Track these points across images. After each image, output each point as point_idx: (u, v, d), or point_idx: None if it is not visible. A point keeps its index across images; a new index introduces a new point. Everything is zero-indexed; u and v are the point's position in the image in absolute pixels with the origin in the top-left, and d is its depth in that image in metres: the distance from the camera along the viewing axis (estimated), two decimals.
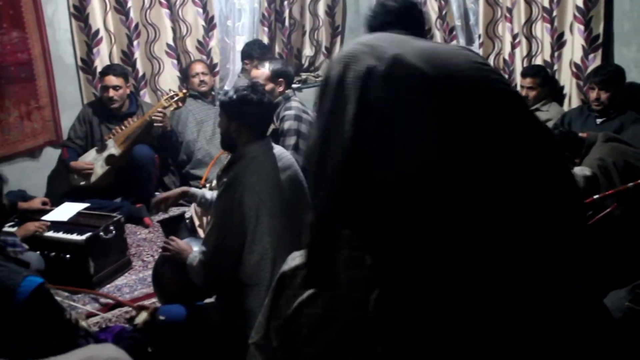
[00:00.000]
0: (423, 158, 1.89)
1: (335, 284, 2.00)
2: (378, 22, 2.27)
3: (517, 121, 1.96)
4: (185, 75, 5.81)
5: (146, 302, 3.53)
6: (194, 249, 3.11)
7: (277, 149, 3.13)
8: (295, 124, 4.22)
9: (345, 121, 1.89)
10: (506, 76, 5.60)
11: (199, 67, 5.68)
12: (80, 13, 5.25)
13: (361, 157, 1.90)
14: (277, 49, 6.44)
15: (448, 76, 1.91)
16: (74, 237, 3.95)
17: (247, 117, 3.01)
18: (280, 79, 4.29)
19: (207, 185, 4.35)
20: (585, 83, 4.99)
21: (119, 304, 3.68)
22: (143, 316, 2.95)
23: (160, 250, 4.32)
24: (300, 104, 4.44)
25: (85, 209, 4.35)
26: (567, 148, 3.71)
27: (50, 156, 5.30)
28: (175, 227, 3.70)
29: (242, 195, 2.90)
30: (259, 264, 2.93)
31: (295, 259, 2.29)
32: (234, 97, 3.01)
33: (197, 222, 3.95)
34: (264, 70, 4.25)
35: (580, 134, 3.93)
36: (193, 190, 3.56)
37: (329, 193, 1.98)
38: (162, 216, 4.65)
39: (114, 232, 4.14)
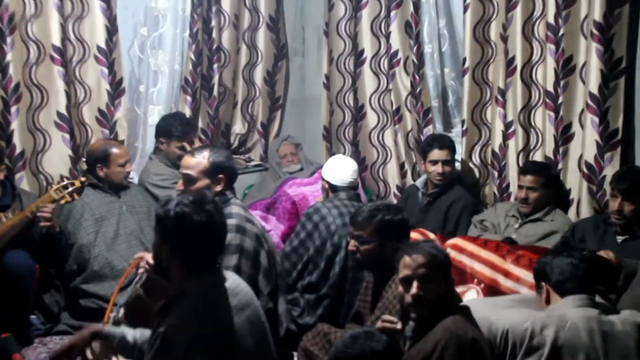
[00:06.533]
0: None
1: None
2: None
3: None
4: (97, 158, 4.24)
5: None
6: None
7: (231, 281, 2.61)
8: (238, 238, 3.29)
9: None
10: (495, 173, 4.62)
11: (126, 154, 4.32)
12: None
13: None
14: (200, 123, 5.11)
15: None
16: None
17: (184, 243, 2.42)
18: (221, 176, 3.33)
19: (113, 314, 3.30)
20: (601, 188, 4.10)
21: None
22: None
23: None
24: (243, 210, 3.48)
25: None
26: (598, 279, 3.03)
27: None
28: None
29: (187, 352, 2.37)
30: None
31: None
32: (171, 212, 2.41)
33: None
34: (201, 159, 3.35)
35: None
36: (108, 329, 2.75)
37: None
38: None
39: None
